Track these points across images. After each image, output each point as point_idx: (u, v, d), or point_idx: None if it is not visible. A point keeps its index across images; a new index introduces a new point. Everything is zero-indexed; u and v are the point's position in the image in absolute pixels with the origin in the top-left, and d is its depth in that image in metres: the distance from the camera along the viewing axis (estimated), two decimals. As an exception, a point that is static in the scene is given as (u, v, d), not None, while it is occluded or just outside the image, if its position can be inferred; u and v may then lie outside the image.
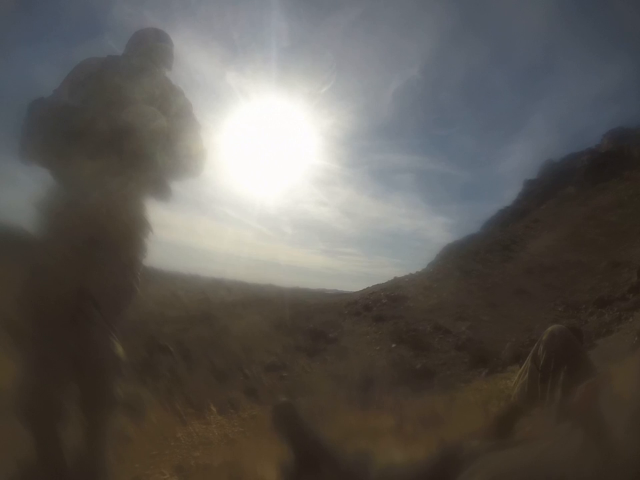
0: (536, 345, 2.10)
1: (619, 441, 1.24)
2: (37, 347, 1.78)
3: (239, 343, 9.27)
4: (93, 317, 1.86)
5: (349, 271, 40.62)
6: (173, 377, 6.23)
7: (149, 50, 2.24)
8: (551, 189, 22.83)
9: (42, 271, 1.84)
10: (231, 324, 10.04)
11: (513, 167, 59.53)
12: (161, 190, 2.12)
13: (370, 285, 17.68)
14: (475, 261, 16.72)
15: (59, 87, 2.07)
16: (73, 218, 1.84)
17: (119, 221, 1.94)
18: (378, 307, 13.55)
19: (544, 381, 1.96)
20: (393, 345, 10.23)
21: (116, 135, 1.92)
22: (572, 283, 10.78)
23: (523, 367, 2.17)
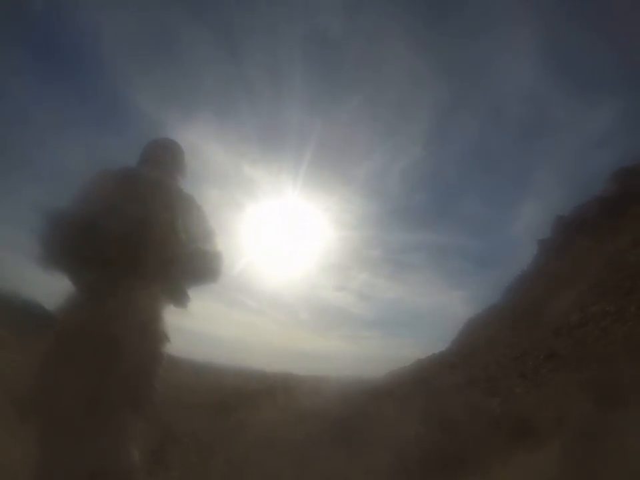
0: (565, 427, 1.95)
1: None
2: (51, 446, 1.73)
3: (257, 434, 8.77)
4: (109, 420, 1.83)
5: (369, 354, 39.33)
6: (185, 470, 5.82)
7: (163, 161, 2.38)
8: (566, 244, 22.59)
9: (59, 375, 1.84)
10: (247, 414, 9.57)
11: (525, 229, 59.65)
12: (178, 297, 2.17)
13: (393, 368, 17.05)
14: (500, 331, 16.09)
15: (78, 196, 2.19)
16: (90, 327, 1.87)
17: (135, 331, 1.98)
18: (402, 390, 12.88)
19: (577, 460, 1.80)
20: (422, 429, 9.50)
21: (132, 245, 2.00)
22: (604, 336, 10.16)
23: (556, 447, 2.00)
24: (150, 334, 2.09)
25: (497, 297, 23.38)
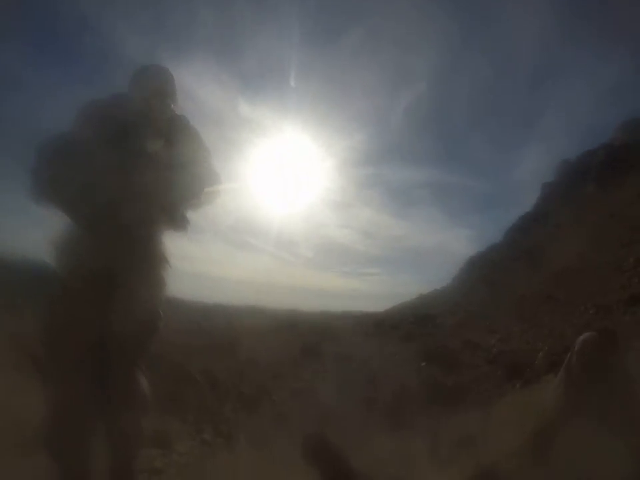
0: (569, 355, 2.01)
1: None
2: (62, 384, 1.78)
3: (266, 370, 9.19)
4: (115, 353, 1.86)
5: (373, 291, 40.18)
6: (201, 407, 6.18)
7: (153, 85, 2.29)
8: (570, 189, 22.30)
9: (62, 309, 1.85)
10: (257, 351, 9.97)
11: (530, 171, 58.58)
12: (177, 220, 2.13)
13: (395, 304, 17.49)
14: (500, 271, 16.36)
15: (70, 126, 2.12)
16: (89, 256, 1.85)
17: (135, 256, 1.95)
18: (405, 326, 13.32)
19: (580, 393, 1.87)
20: (423, 364, 9.97)
21: (126, 170, 1.95)
22: (601, 284, 10.35)
23: (557, 380, 2.08)
24: (151, 260, 2.04)
25: (499, 237, 23.48)
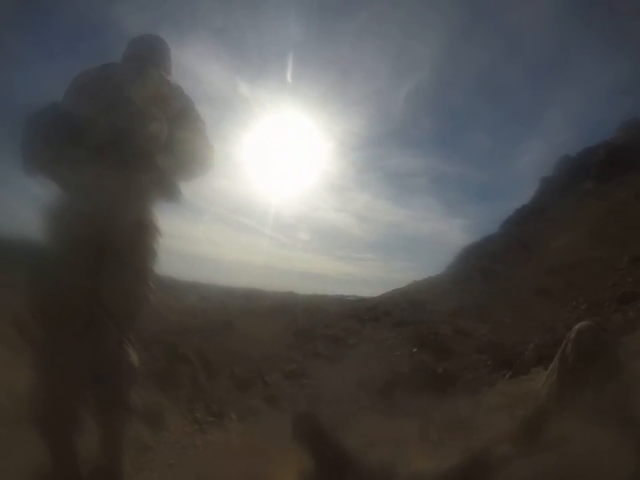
0: (564, 343, 2.01)
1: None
2: (50, 355, 1.77)
3: (259, 351, 9.25)
4: (105, 324, 1.84)
5: (367, 276, 40.24)
6: (193, 386, 6.22)
7: (146, 54, 2.24)
8: (569, 184, 22.29)
9: (52, 280, 1.82)
10: (250, 332, 10.02)
11: (529, 164, 58.01)
12: (169, 191, 2.10)
13: (389, 290, 17.57)
14: (495, 262, 16.43)
15: (61, 97, 2.08)
16: (80, 226, 1.82)
17: (125, 226, 1.92)
18: (397, 312, 13.41)
19: (573, 381, 1.87)
20: (414, 350, 10.08)
21: (117, 139, 1.91)
22: (594, 280, 10.44)
23: (551, 367, 2.08)
24: (142, 230, 2.01)
25: (495, 228, 23.54)
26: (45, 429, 1.73)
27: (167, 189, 2.08)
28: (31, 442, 1.71)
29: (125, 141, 1.92)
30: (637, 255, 10.95)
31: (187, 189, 2.16)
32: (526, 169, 57.10)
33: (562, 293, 10.60)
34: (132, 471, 1.90)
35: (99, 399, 1.85)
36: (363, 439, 2.53)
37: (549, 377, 2.07)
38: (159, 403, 3.31)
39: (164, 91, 2.14)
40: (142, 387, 2.05)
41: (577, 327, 2.02)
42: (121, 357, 1.88)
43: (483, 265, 16.47)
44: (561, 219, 18.20)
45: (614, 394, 1.49)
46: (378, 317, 13.31)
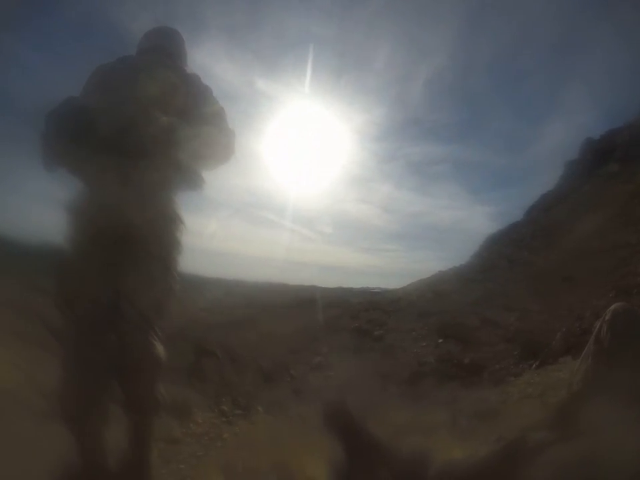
0: (599, 326, 1.94)
1: None
2: (76, 349, 1.77)
3: (284, 344, 9.31)
4: (131, 316, 1.83)
5: (392, 267, 40.14)
6: (220, 380, 6.29)
7: (161, 46, 2.22)
8: (593, 168, 21.61)
9: (76, 274, 1.83)
10: (276, 327, 10.09)
11: (553, 149, 56.48)
12: (191, 180, 2.08)
13: (413, 281, 17.44)
14: (520, 249, 16.08)
15: (79, 92, 2.08)
16: (102, 219, 1.82)
17: (148, 217, 1.91)
18: (422, 303, 13.28)
19: (610, 364, 1.79)
20: (440, 340, 9.95)
21: (136, 130, 1.89)
22: (622, 266, 10.08)
23: (585, 351, 2.00)
24: (166, 221, 2.00)
25: (520, 215, 23.03)
26: (72, 424, 1.74)
27: (189, 178, 2.07)
28: (59, 437, 1.72)
29: (143, 133, 1.91)
30: (664, 238, 10.58)
31: (209, 181, 2.14)
32: (550, 153, 55.70)
33: (589, 279, 10.28)
34: (159, 463, 1.90)
35: (126, 392, 1.85)
36: (392, 429, 2.48)
37: (583, 361, 1.99)
38: (186, 396, 3.33)
39: (181, 81, 2.12)
40: (169, 381, 2.04)
41: (611, 308, 1.94)
42: (146, 350, 1.87)
43: (508, 252, 16.15)
44: (586, 203, 17.66)
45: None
46: (403, 308, 13.22)
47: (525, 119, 55.57)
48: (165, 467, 1.96)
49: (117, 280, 1.85)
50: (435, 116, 57.20)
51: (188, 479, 1.99)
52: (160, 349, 1.92)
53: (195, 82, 2.18)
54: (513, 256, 15.53)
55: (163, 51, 2.22)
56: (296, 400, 5.33)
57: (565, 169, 25.55)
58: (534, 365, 6.71)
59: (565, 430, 1.82)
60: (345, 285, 19.04)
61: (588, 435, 1.68)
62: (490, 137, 54.24)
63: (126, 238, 1.85)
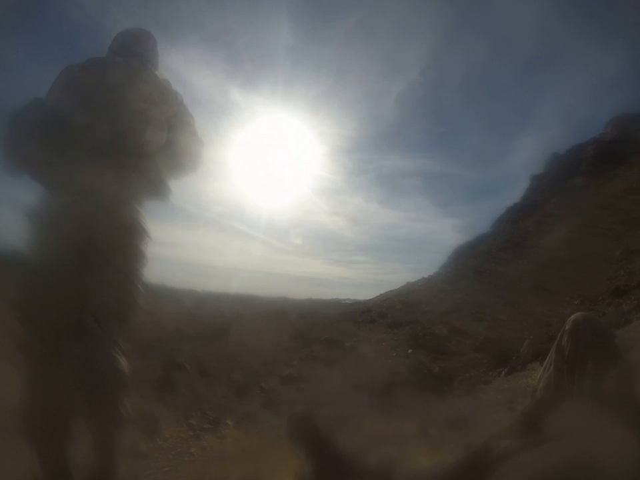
0: (560, 335, 2.01)
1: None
2: (40, 363, 1.72)
3: (256, 356, 9.21)
4: (93, 330, 1.79)
5: (362, 279, 40.29)
6: (189, 393, 6.16)
7: (132, 47, 2.19)
8: (559, 181, 22.53)
9: (39, 284, 1.78)
10: (246, 338, 9.97)
11: (519, 163, 58.63)
12: (158, 189, 2.05)
13: (383, 292, 17.57)
14: (488, 260, 16.52)
15: (46, 94, 2.03)
16: (67, 228, 1.77)
17: (113, 227, 1.87)
18: (392, 313, 13.41)
19: (571, 372, 1.86)
20: (410, 351, 10.08)
21: (104, 137, 1.86)
22: (588, 275, 10.53)
23: (547, 360, 2.07)
24: (130, 231, 1.94)
25: (487, 227, 23.68)
26: (36, 439, 1.68)
27: (157, 188, 2.04)
28: (24, 453, 1.66)
29: (112, 141, 1.88)
30: (630, 248, 11.06)
31: (180, 192, 2.12)
32: (517, 167, 57.62)
33: (556, 288, 10.66)
34: (126, 478, 1.86)
35: (91, 407, 1.80)
36: (362, 439, 2.50)
37: (545, 369, 2.06)
38: (154, 410, 3.26)
39: (150, 86, 2.09)
40: (138, 394, 2.00)
41: (571, 317, 2.02)
42: (108, 363, 1.83)
43: (476, 263, 16.55)
44: (552, 215, 18.34)
45: (613, 383, 1.48)
46: (373, 319, 13.30)
47: (494, 133, 57.40)
48: (132, 483, 1.92)
49: (80, 292, 1.80)
50: (405, 130, 58.33)
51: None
52: (124, 363, 1.88)
53: (164, 87, 2.15)
54: (480, 267, 15.92)
55: (134, 53, 2.18)
56: (267, 412, 5.28)
57: (531, 183, 26.49)
58: (503, 372, 6.89)
59: (530, 436, 1.89)
60: (316, 296, 19.01)
61: (552, 441, 1.74)
62: (458, 151, 55.66)
63: (90, 249, 1.81)
